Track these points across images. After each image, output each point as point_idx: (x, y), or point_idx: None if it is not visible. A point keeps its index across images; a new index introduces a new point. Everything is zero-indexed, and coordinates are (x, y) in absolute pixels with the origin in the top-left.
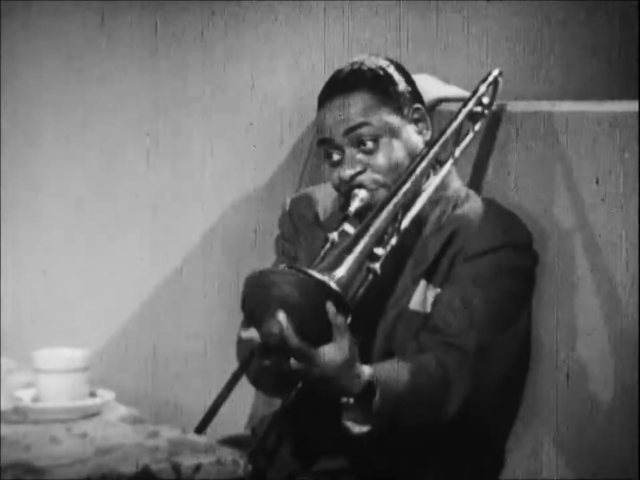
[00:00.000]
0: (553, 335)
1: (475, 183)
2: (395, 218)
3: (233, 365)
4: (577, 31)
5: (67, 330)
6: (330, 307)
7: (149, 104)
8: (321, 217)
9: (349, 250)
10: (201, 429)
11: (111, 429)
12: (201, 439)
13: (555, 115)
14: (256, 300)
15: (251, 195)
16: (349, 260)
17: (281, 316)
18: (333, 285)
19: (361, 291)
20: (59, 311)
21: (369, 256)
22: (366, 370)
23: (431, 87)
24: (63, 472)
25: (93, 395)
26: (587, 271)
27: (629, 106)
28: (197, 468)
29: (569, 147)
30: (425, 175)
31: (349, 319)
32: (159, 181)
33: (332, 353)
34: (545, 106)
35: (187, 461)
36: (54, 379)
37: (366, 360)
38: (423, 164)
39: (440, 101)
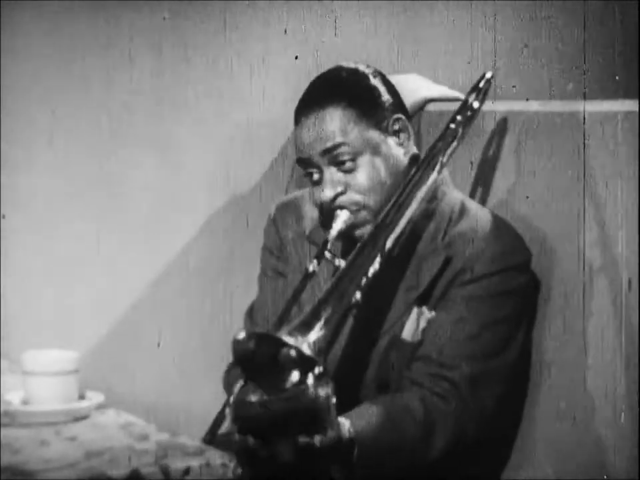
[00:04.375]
0: (558, 363)
1: (478, 188)
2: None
3: (221, 368)
4: (576, 29)
5: (56, 332)
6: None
7: (138, 105)
8: (307, 228)
9: (324, 306)
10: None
11: (101, 432)
12: (191, 442)
13: (551, 114)
14: (248, 363)
15: (244, 194)
16: (328, 325)
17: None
18: (328, 375)
19: (343, 326)
20: (48, 313)
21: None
22: (345, 425)
23: (419, 86)
24: (52, 475)
25: (82, 397)
26: (594, 283)
27: (629, 105)
28: (186, 471)
29: (567, 147)
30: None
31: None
32: (150, 180)
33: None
34: (538, 106)
35: (176, 464)
36: (43, 381)
37: (357, 388)
38: (405, 194)
39: (428, 100)
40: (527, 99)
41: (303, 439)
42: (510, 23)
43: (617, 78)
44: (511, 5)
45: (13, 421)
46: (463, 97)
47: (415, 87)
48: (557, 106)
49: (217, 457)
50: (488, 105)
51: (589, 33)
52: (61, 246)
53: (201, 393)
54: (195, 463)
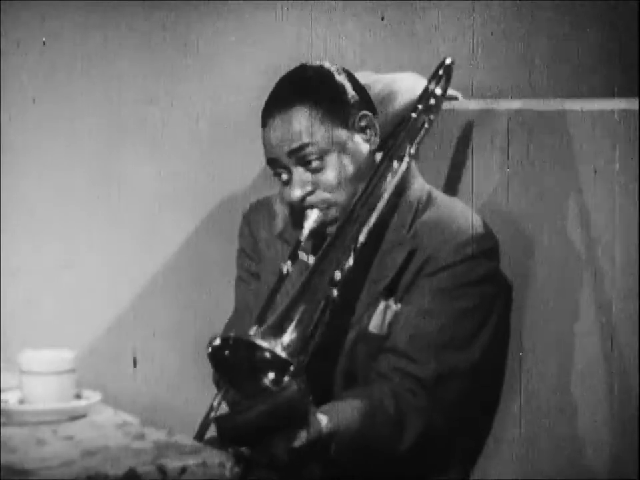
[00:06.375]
0: (538, 360)
1: (457, 185)
2: (350, 238)
3: None
4: (574, 27)
5: (52, 331)
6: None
7: (125, 104)
8: (280, 227)
9: (294, 307)
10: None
11: (97, 431)
12: (187, 441)
13: (551, 113)
14: (225, 368)
15: (236, 196)
16: (302, 323)
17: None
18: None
19: (321, 324)
20: (45, 312)
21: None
22: (322, 421)
23: (416, 85)
24: (49, 474)
25: (78, 396)
26: (581, 283)
27: (629, 104)
28: (183, 470)
29: (567, 146)
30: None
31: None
32: (145, 182)
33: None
34: (540, 104)
35: (173, 463)
36: (40, 380)
37: (328, 380)
38: (371, 186)
39: None
40: (541, 98)
41: (294, 439)
42: (508, 23)
43: (617, 77)
44: (510, 5)
45: (9, 420)
46: (459, 95)
47: (411, 85)
48: (547, 105)
49: (213, 456)
50: (474, 104)
51: (589, 32)
52: (58, 246)
53: (197, 392)
54: (191, 462)
